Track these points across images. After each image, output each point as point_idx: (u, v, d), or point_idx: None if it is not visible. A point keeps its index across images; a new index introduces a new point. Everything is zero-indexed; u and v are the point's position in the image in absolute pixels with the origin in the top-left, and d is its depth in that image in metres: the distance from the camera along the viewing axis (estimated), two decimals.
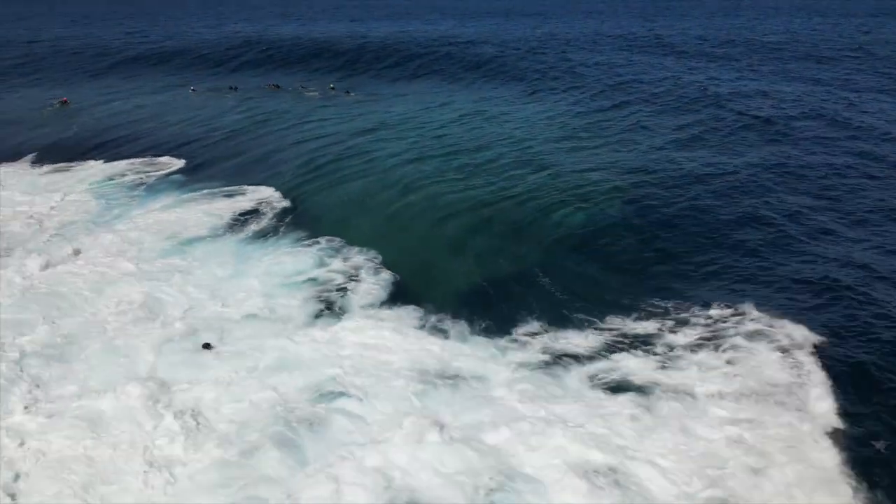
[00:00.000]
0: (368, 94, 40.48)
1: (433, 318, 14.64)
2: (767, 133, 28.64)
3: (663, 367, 12.61)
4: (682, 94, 36.25)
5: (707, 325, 13.90)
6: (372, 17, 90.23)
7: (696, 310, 14.51)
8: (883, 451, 10.23)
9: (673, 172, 23.84)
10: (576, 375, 12.58)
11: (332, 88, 41.70)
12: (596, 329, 14.16)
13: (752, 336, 13.22)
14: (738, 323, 13.81)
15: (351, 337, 13.93)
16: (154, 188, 23.73)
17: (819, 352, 12.64)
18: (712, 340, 13.33)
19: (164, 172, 25.50)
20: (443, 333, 14.09)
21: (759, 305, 14.35)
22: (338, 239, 18.48)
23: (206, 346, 13.65)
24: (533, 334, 14.03)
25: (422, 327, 14.32)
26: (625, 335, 13.84)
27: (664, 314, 14.47)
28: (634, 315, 14.53)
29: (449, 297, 15.67)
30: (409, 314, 14.82)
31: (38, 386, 12.34)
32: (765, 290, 15.42)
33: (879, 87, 37.01)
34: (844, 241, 17.95)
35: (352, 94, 40.49)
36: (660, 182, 22.73)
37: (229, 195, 22.38)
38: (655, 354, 13.05)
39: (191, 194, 22.73)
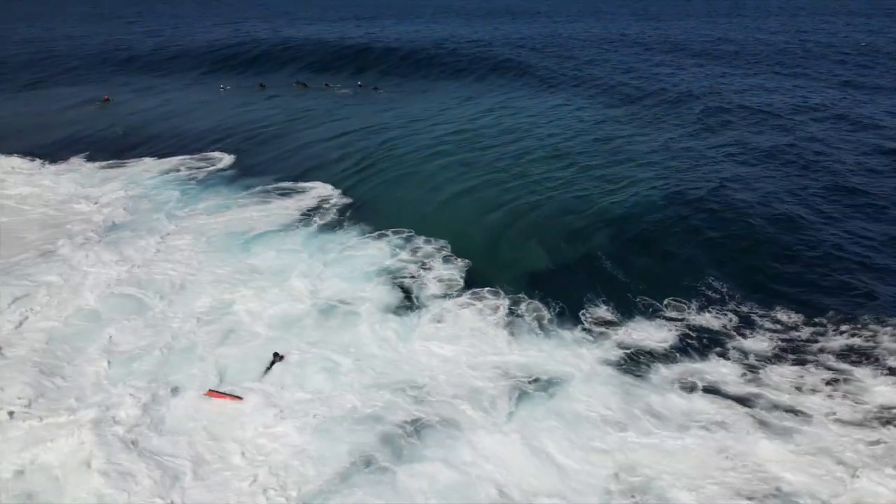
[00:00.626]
0: (395, 91, 41.46)
1: (508, 304, 15.65)
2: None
3: (748, 377, 13.12)
4: (710, 94, 37.29)
5: (778, 332, 14.50)
6: (383, 16, 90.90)
7: (756, 308, 15.45)
8: None
9: (706, 167, 25.09)
10: (659, 378, 13.17)
11: (360, 86, 42.66)
12: (663, 319, 15.17)
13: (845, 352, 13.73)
14: (818, 334, 14.42)
15: (433, 331, 14.64)
16: (210, 183, 24.54)
17: None
18: (795, 352, 13.87)
19: (215, 168, 26.36)
20: (521, 326, 14.95)
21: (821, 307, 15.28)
22: (404, 230, 19.45)
23: (277, 356, 13.64)
24: (604, 323, 15.09)
25: (499, 318, 15.17)
26: (691, 328, 14.80)
27: (722, 306, 15.54)
28: (695, 306, 15.63)
29: (519, 283, 16.71)
30: (485, 304, 15.76)
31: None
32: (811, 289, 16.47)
33: None
34: None
35: (380, 90, 41.45)
36: (697, 176, 23.90)
37: (287, 191, 23.27)
38: (731, 358, 13.73)
39: (248, 190, 23.57)
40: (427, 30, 69.63)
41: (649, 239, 19.13)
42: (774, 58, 50.53)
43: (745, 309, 15.46)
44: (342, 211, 21.33)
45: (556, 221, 20.42)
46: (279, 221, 20.45)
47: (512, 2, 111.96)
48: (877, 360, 13.46)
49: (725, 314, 15.26)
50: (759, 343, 14.16)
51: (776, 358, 13.70)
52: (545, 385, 12.96)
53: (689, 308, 15.57)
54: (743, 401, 12.47)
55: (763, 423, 11.82)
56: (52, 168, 26.27)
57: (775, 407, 12.28)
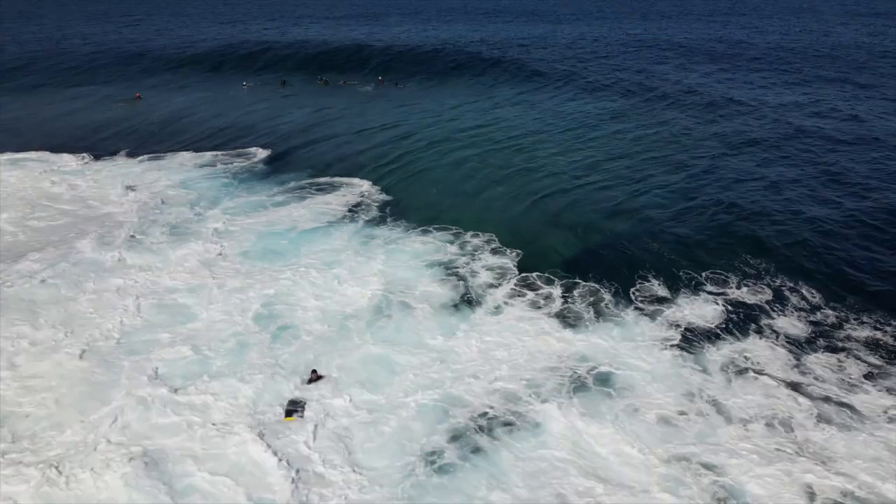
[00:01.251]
0: (415, 87, 41.64)
1: (561, 292, 16.02)
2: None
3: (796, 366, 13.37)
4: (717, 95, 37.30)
5: (809, 312, 15.05)
6: (390, 15, 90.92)
7: (788, 285, 16.05)
8: None
9: (723, 158, 25.63)
10: (714, 364, 13.43)
11: (381, 80, 42.88)
12: (707, 294, 15.87)
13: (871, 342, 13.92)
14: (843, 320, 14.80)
15: (491, 322, 14.82)
16: (248, 178, 24.83)
17: None
18: (828, 337, 14.24)
19: (250, 163, 26.68)
20: (577, 311, 15.28)
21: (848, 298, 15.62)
22: (448, 224, 19.70)
23: (315, 375, 12.98)
24: (655, 300, 15.66)
25: (555, 305, 15.49)
26: (733, 303, 15.35)
27: (756, 283, 16.24)
28: (733, 284, 16.25)
29: (568, 269, 17.17)
30: (539, 293, 16.06)
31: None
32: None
33: None
34: None
35: (400, 85, 41.64)
36: (717, 170, 24.46)
37: (324, 186, 23.52)
38: (777, 340, 14.18)
39: (285, 185, 23.87)
40: (439, 29, 69.78)
41: (678, 220, 19.96)
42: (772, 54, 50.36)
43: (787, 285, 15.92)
44: (382, 207, 21.55)
45: (590, 208, 21.12)
46: (323, 218, 20.66)
47: (523, 3, 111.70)
48: None
49: (763, 290, 15.96)
50: (798, 324, 14.53)
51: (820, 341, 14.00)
52: (606, 374, 13.15)
53: (729, 283, 16.34)
54: (796, 388, 12.67)
55: (824, 417, 11.92)
56: (100, 164, 26.72)
57: (829, 399, 12.44)
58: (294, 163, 26.66)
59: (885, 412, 11.92)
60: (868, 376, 12.91)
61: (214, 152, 28.16)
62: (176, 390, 12.63)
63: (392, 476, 10.66)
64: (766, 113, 31.96)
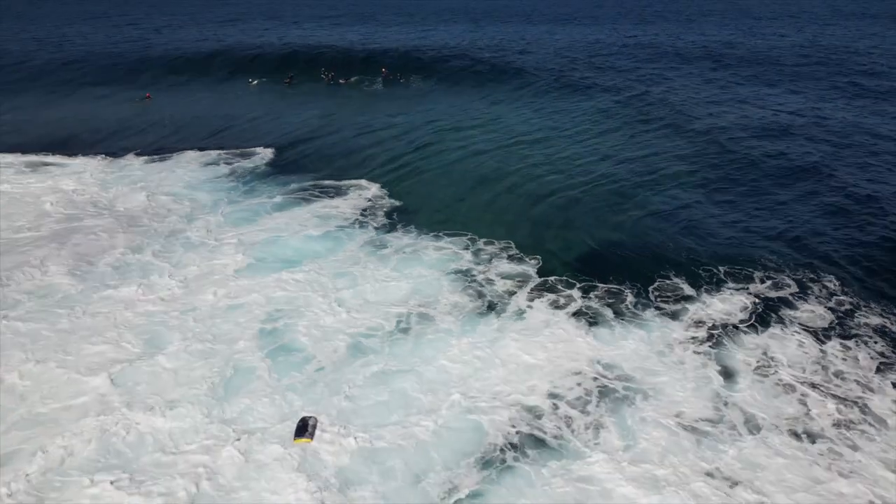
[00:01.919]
0: (419, 86, 41.29)
1: (581, 295, 15.66)
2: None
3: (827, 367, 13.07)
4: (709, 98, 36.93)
5: (836, 305, 14.87)
6: (388, 15, 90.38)
7: (811, 276, 15.98)
8: None
9: (722, 157, 25.44)
10: (744, 368, 13.06)
11: (385, 71, 43.07)
12: (727, 290, 15.65)
13: None
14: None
15: (514, 332, 14.23)
16: (254, 179, 24.21)
17: None
18: (857, 332, 14.03)
19: (256, 164, 26.09)
20: (600, 315, 14.81)
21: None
22: (460, 231, 19.11)
23: (306, 424, 11.40)
24: (676, 300, 15.38)
25: (577, 310, 15.03)
26: (756, 298, 15.10)
27: (778, 276, 16.17)
28: (756, 276, 16.18)
29: (587, 272, 16.76)
30: (560, 296, 15.63)
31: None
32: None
33: None
34: None
35: (402, 79, 42.00)
36: (716, 166, 24.36)
37: (331, 189, 22.89)
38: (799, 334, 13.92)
39: (289, 186, 23.31)
40: (438, 30, 69.27)
41: (693, 217, 19.94)
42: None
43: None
44: (390, 212, 20.93)
45: (602, 208, 20.86)
46: (331, 223, 20.04)
47: (523, 3, 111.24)
48: None
49: (788, 284, 15.89)
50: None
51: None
52: (636, 382, 12.69)
53: (752, 278, 16.19)
54: (827, 390, 12.24)
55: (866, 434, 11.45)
56: (119, 164, 26.34)
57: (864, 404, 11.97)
58: (299, 164, 26.16)
59: None
60: None
61: (219, 151, 27.84)
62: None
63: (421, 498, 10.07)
64: (772, 109, 31.57)
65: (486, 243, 18.38)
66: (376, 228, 19.70)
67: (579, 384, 12.60)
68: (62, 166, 26.15)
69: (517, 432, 11.41)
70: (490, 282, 16.33)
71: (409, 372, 13.00)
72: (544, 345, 13.83)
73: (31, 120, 33.35)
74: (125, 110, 35.46)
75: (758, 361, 13.19)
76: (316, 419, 11.52)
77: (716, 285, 15.93)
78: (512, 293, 15.80)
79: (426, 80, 42.41)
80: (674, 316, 14.78)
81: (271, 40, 55.48)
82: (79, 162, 26.60)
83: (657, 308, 15.10)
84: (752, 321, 14.45)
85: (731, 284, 15.94)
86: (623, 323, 14.56)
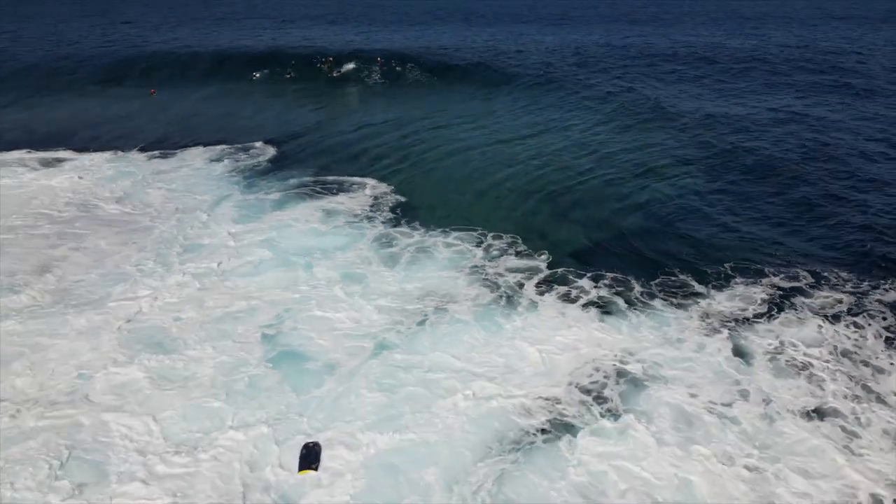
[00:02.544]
0: (418, 82, 41.40)
1: (593, 286, 15.68)
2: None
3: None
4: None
5: (850, 292, 14.91)
6: (386, 15, 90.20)
7: (823, 266, 15.74)
8: None
9: (718, 154, 25.49)
10: (758, 358, 13.04)
11: (381, 61, 43.31)
12: (734, 283, 15.72)
13: None
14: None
15: (528, 327, 14.13)
16: (257, 176, 24.11)
17: None
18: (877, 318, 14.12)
19: (258, 160, 26.01)
20: (612, 308, 14.82)
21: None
22: (467, 226, 19.07)
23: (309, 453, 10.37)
24: (687, 294, 15.34)
25: (589, 303, 15.01)
26: (763, 289, 15.13)
27: (788, 267, 16.11)
28: (763, 269, 16.26)
29: (598, 266, 16.75)
30: (573, 288, 15.64)
31: None
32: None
33: None
34: None
35: (398, 67, 42.44)
36: (712, 163, 24.48)
37: (335, 186, 22.75)
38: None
39: (290, 181, 23.21)
40: (438, 31, 69.25)
41: (697, 208, 20.11)
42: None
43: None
44: (395, 207, 20.85)
45: (607, 203, 20.95)
46: (338, 220, 19.95)
47: (524, 4, 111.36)
48: None
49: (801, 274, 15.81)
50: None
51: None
52: (654, 368, 12.71)
53: (762, 268, 16.27)
54: (847, 376, 12.24)
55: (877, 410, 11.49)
56: (128, 159, 26.37)
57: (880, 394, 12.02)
58: (301, 160, 26.10)
59: None
60: None
61: (223, 146, 27.92)
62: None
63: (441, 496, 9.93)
64: (776, 108, 31.76)
65: (494, 238, 18.37)
66: (384, 224, 19.59)
67: (597, 369, 12.64)
68: (69, 160, 26.13)
69: (544, 419, 11.41)
70: (502, 275, 16.32)
71: (430, 369, 12.83)
72: (561, 333, 13.89)
73: (34, 118, 33.21)
74: (130, 106, 35.56)
75: (774, 347, 13.22)
76: (319, 445, 10.45)
77: (726, 277, 15.95)
78: (524, 285, 15.82)
79: (423, 73, 42.49)
80: (685, 306, 14.81)
81: (269, 40, 55.40)
82: (84, 157, 26.59)
83: (668, 298, 15.16)
84: (766, 308, 14.52)
85: (741, 275, 15.97)
86: (636, 312, 14.60)
